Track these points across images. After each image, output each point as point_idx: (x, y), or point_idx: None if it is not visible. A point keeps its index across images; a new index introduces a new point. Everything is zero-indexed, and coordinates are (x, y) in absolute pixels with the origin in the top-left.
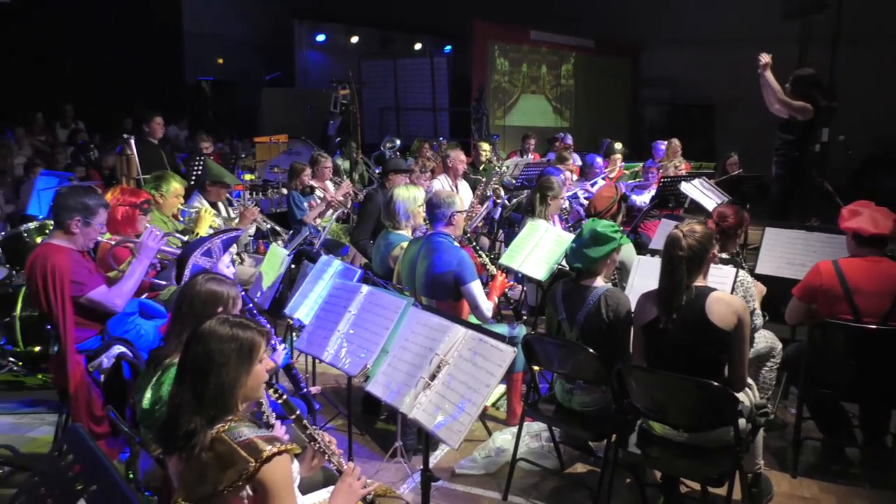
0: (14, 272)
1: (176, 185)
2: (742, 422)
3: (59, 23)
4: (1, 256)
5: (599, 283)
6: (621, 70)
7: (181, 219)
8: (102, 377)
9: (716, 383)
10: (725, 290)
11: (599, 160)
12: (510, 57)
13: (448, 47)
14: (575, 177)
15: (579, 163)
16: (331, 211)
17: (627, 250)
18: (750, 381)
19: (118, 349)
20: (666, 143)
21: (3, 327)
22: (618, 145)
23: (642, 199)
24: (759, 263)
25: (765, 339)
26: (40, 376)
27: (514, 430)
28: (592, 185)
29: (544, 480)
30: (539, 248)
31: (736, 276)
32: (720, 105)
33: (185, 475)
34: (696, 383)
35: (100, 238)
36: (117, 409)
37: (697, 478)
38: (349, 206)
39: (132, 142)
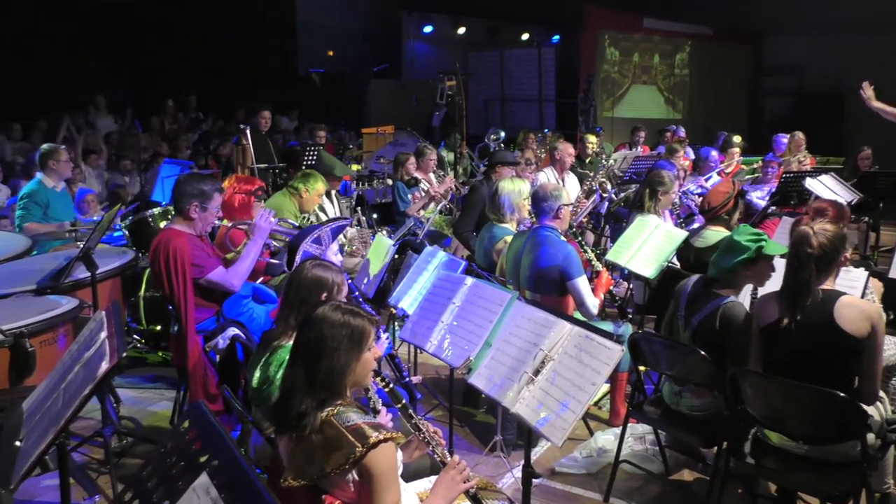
0: (140, 255)
1: (320, 186)
2: (871, 437)
3: (184, 17)
4: (128, 240)
5: (730, 294)
6: (741, 58)
7: None
8: (218, 357)
9: (842, 394)
10: (855, 294)
11: (714, 154)
12: (621, 46)
13: (556, 37)
14: (687, 171)
15: (692, 156)
16: (433, 203)
17: None
18: (882, 393)
19: (233, 331)
20: (788, 136)
21: (128, 307)
22: (736, 138)
23: (758, 194)
24: (893, 268)
25: (894, 346)
26: (161, 354)
27: (617, 430)
28: (706, 181)
29: (648, 485)
30: (648, 245)
31: (867, 279)
32: (851, 95)
33: (295, 455)
34: (819, 393)
35: (217, 223)
36: (231, 388)
37: (818, 493)
38: (450, 200)
39: (248, 132)
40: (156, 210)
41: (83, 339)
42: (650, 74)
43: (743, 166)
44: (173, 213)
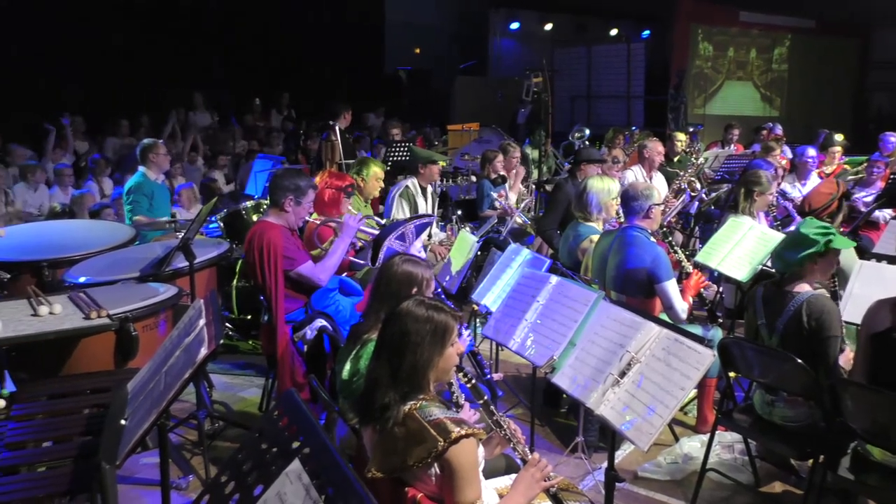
0: (234, 246)
1: (375, 169)
2: None
3: (278, 17)
4: (223, 231)
5: (804, 288)
6: (846, 52)
7: None
8: (305, 347)
9: None
10: None
11: (813, 152)
12: (715, 40)
13: (646, 32)
14: (785, 171)
15: (789, 155)
16: (514, 198)
17: (847, 254)
18: None
19: (320, 322)
20: None
21: (221, 296)
22: (838, 137)
23: (863, 196)
24: None
25: None
26: (251, 342)
27: (704, 438)
28: (804, 181)
29: (736, 495)
30: (741, 247)
31: None
32: None
33: (378, 447)
34: None
35: (307, 217)
36: (317, 378)
37: None
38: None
39: (337, 128)
40: (249, 203)
41: (183, 326)
42: (746, 70)
43: (846, 166)
44: (266, 206)
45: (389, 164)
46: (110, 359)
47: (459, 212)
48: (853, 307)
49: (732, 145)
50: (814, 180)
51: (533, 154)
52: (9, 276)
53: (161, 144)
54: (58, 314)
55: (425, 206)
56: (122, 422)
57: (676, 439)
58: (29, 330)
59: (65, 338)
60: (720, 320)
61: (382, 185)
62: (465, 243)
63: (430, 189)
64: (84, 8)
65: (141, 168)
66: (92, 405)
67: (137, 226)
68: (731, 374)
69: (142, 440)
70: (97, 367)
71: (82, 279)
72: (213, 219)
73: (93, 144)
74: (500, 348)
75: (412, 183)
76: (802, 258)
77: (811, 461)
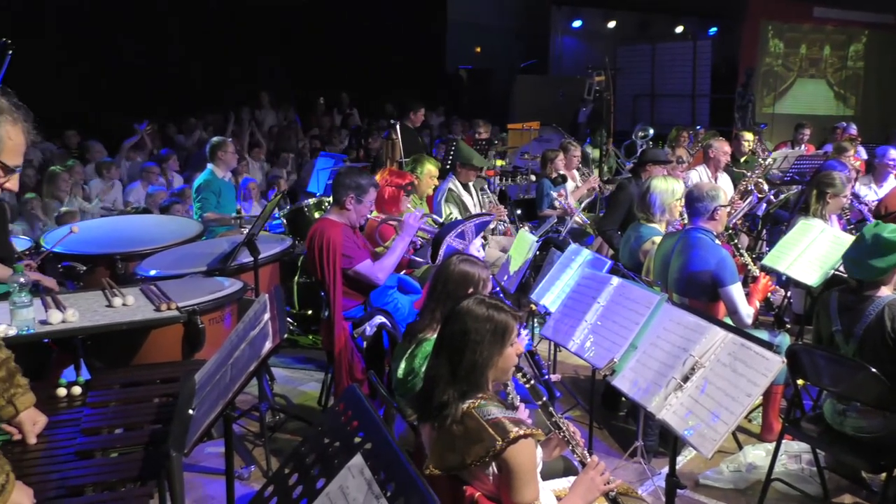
0: (296, 242)
1: (430, 167)
2: None
3: (340, 17)
4: (285, 228)
5: (884, 292)
6: None
7: None
8: (365, 343)
9: None
10: None
11: (893, 153)
12: (786, 37)
13: (713, 29)
14: (860, 172)
15: (863, 156)
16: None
17: None
18: None
19: (380, 319)
20: None
21: (284, 291)
22: None
23: None
24: None
25: None
26: (311, 337)
27: (769, 446)
28: (881, 183)
29: None
30: (811, 251)
31: None
32: None
33: (437, 444)
34: None
35: (369, 215)
36: (376, 374)
37: None
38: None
39: (398, 127)
40: (311, 200)
41: (248, 319)
42: (819, 67)
43: None
44: (327, 203)
45: (449, 164)
46: (178, 350)
47: (519, 211)
48: None
49: (803, 145)
50: (891, 182)
51: (594, 154)
52: (85, 268)
53: (230, 143)
54: (130, 305)
55: (473, 202)
56: (190, 411)
57: (740, 447)
58: (104, 320)
59: (137, 328)
60: (788, 326)
61: (437, 182)
62: (524, 243)
63: (471, 184)
64: (158, 13)
65: (209, 165)
66: (161, 394)
67: (205, 222)
68: (800, 382)
69: (208, 430)
70: (165, 357)
71: (153, 272)
72: (276, 215)
73: (164, 142)
74: (557, 349)
75: (453, 184)
76: (893, 265)
77: (884, 474)
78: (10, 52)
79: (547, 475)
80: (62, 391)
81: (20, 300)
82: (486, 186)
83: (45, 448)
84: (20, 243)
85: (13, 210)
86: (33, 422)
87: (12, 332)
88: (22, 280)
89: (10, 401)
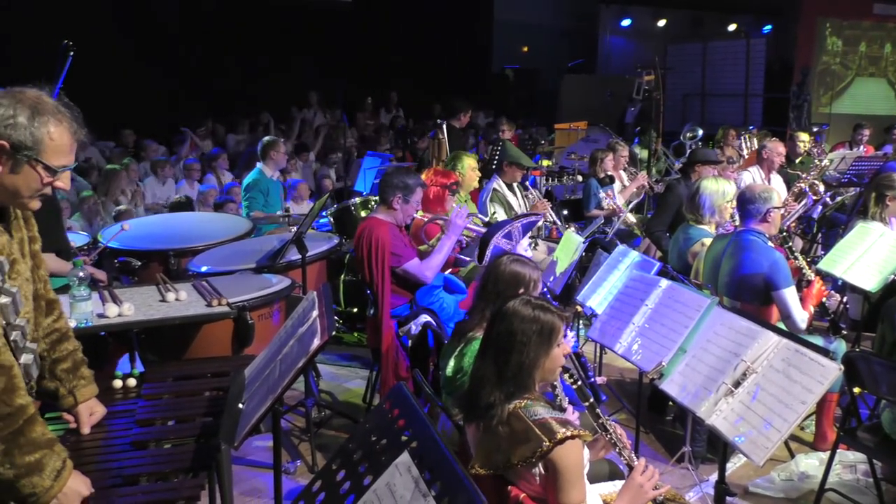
0: (343, 240)
1: (468, 161)
2: None
3: (388, 18)
4: (332, 226)
5: None
6: None
7: None
8: (410, 342)
9: None
10: None
11: None
12: (845, 35)
13: (767, 27)
14: None
15: None
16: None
17: None
18: None
19: (425, 318)
20: None
21: (330, 288)
22: None
23: None
24: None
25: None
26: (356, 335)
27: (823, 455)
28: None
29: None
30: (870, 255)
31: None
32: None
33: (483, 444)
34: None
35: (415, 215)
36: (421, 372)
37: None
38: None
39: (444, 127)
40: (357, 199)
41: (297, 316)
42: (879, 66)
43: None
44: (374, 202)
45: (495, 162)
46: (228, 345)
47: (565, 212)
48: None
49: (862, 146)
50: None
51: (642, 154)
52: (139, 263)
53: (281, 142)
54: (183, 300)
55: (518, 203)
56: (241, 405)
57: (792, 455)
58: (158, 314)
59: (189, 323)
60: (844, 332)
61: (479, 174)
62: (571, 243)
63: (516, 185)
64: (213, 16)
65: (259, 164)
66: (212, 388)
67: (253, 220)
68: (856, 390)
69: (257, 424)
70: (216, 352)
71: (204, 268)
72: (323, 214)
73: (214, 142)
74: (603, 351)
75: (498, 184)
76: None
77: None
78: (72, 53)
79: (593, 479)
80: (118, 382)
81: (80, 294)
82: (527, 184)
83: (102, 437)
84: (78, 239)
85: (73, 206)
86: (90, 412)
87: (72, 324)
88: (81, 274)
89: (71, 391)
